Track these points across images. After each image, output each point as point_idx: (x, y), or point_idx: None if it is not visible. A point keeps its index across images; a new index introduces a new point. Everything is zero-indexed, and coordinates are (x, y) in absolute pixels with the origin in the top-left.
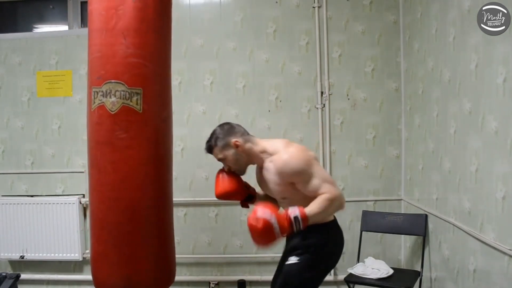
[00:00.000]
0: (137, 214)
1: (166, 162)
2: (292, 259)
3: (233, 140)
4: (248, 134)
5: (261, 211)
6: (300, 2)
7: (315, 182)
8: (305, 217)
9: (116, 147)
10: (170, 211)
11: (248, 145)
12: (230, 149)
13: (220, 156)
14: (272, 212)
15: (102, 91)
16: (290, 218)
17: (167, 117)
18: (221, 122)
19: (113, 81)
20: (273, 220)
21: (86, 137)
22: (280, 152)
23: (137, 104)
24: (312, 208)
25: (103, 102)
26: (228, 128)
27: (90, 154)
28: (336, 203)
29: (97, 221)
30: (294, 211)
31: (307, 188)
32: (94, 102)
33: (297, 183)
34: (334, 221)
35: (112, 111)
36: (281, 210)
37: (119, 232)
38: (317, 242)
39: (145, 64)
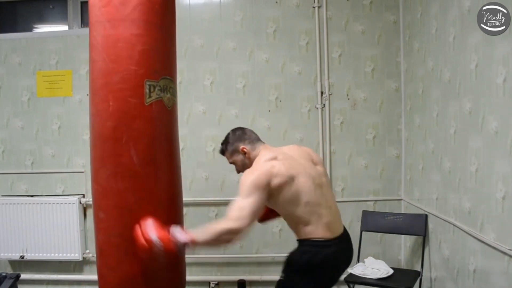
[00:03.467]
0: (180, 212)
1: None
2: (280, 275)
3: (241, 146)
4: (258, 140)
5: (149, 227)
6: (300, 2)
7: (235, 203)
8: (190, 244)
9: (171, 142)
10: None
11: (254, 153)
12: (239, 155)
13: (230, 160)
14: (159, 232)
15: (160, 86)
16: (175, 242)
17: None
18: (232, 129)
19: (168, 77)
20: (155, 239)
21: (103, 132)
22: (254, 163)
23: (177, 102)
24: (202, 236)
25: (161, 97)
26: (239, 134)
27: (140, 151)
28: (228, 236)
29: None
30: (180, 236)
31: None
32: (150, 96)
33: None
34: (320, 241)
35: (169, 107)
36: None
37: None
38: (294, 259)
39: (175, 64)
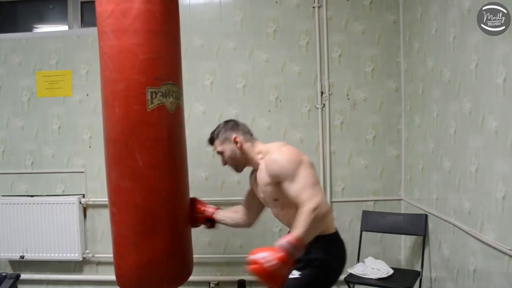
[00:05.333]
0: (185, 209)
1: None
2: (295, 273)
3: (234, 135)
4: (251, 135)
5: (261, 256)
6: (300, 2)
7: (296, 186)
8: (296, 242)
9: (176, 144)
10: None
11: (247, 145)
12: (229, 144)
13: (219, 149)
14: (269, 252)
15: (162, 92)
16: (283, 248)
17: None
18: (223, 120)
19: (170, 82)
20: (273, 261)
21: (108, 135)
22: (273, 151)
23: (182, 104)
24: (300, 228)
25: (163, 103)
26: (232, 125)
27: (144, 154)
28: (321, 211)
29: (150, 219)
30: (283, 242)
31: (289, 191)
32: (152, 103)
33: (282, 183)
34: (336, 233)
35: (172, 111)
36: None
37: (173, 228)
38: (320, 257)
39: (180, 67)
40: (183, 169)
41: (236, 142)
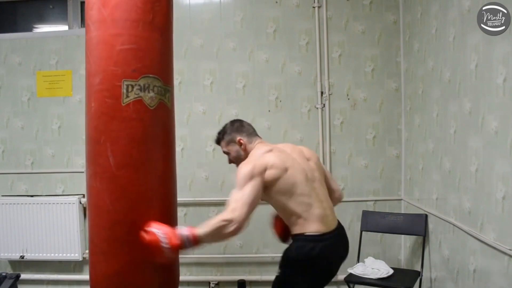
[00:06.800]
0: (169, 210)
1: None
2: (277, 271)
3: (238, 137)
4: (255, 135)
5: (160, 233)
6: (300, 2)
7: (233, 194)
8: (194, 240)
9: (156, 144)
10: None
11: (250, 146)
12: (234, 145)
13: (225, 149)
14: (164, 228)
15: (139, 85)
16: (180, 236)
17: None
18: (231, 120)
19: (151, 75)
20: (161, 234)
21: (92, 133)
22: (248, 158)
23: (168, 101)
24: (204, 229)
25: (140, 97)
26: (237, 126)
27: (117, 153)
28: (227, 228)
29: (120, 226)
30: (183, 231)
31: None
32: (128, 96)
33: None
34: (320, 235)
35: (151, 107)
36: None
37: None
38: (290, 255)
39: (171, 62)
40: (164, 172)
41: (240, 144)
